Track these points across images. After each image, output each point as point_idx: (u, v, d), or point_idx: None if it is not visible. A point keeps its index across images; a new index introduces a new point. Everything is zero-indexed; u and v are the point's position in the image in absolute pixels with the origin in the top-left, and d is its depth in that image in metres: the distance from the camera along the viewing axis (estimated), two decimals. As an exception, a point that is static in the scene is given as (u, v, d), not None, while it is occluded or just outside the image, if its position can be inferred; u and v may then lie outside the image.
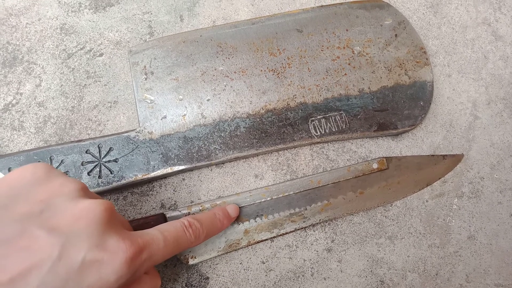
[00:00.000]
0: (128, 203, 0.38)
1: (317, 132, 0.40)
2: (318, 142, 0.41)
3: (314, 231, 0.39)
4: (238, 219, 0.37)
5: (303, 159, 0.41)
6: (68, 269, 0.22)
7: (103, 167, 0.37)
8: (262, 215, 0.37)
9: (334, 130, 0.40)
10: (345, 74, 0.42)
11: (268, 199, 0.38)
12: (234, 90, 0.40)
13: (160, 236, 0.27)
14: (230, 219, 0.35)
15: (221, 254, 0.37)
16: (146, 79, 0.40)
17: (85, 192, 0.26)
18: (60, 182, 0.25)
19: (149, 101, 0.39)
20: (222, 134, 0.39)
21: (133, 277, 0.25)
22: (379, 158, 0.40)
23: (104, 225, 0.24)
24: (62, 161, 0.36)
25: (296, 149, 0.41)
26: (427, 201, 0.41)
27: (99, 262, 0.22)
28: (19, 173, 0.25)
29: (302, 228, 0.38)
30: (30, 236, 0.22)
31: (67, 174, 0.36)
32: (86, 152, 0.37)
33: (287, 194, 0.38)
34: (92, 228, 0.23)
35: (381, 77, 0.42)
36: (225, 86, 0.40)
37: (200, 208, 0.36)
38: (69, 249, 0.22)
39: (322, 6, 0.45)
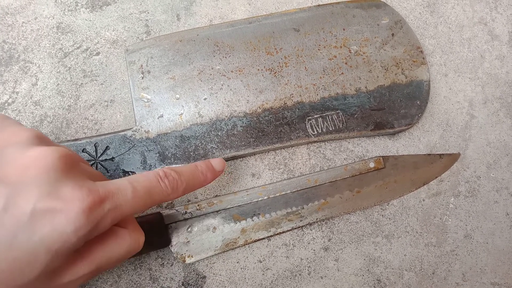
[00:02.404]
0: (124, 202, 0.38)
1: (314, 131, 0.40)
2: (315, 141, 0.41)
3: (311, 230, 0.39)
4: (235, 218, 0.37)
5: (300, 158, 0.41)
6: (16, 220, 0.20)
7: (99, 166, 0.37)
8: (259, 214, 0.37)
9: (331, 129, 0.40)
10: (342, 73, 0.42)
11: (265, 198, 0.38)
12: (231, 89, 0.40)
13: (128, 186, 0.25)
14: (214, 173, 0.33)
15: (218, 253, 0.36)
16: (142, 78, 0.40)
17: (41, 140, 0.24)
18: (12, 131, 0.24)
19: (146, 100, 0.39)
20: (219, 133, 0.39)
21: (97, 229, 0.23)
22: (376, 157, 0.40)
23: (58, 172, 0.22)
24: (58, 160, 0.36)
25: (293, 148, 0.41)
26: (423, 200, 0.41)
27: (52, 211, 0.21)
28: None
29: (299, 227, 0.38)
30: None
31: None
32: (83, 151, 0.37)
33: (284, 193, 0.38)
34: (43, 176, 0.21)
35: (377, 76, 0.42)
36: (222, 85, 0.40)
37: (197, 207, 0.36)
38: (16, 199, 0.20)
39: (319, 5, 0.45)
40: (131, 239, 0.27)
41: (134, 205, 0.25)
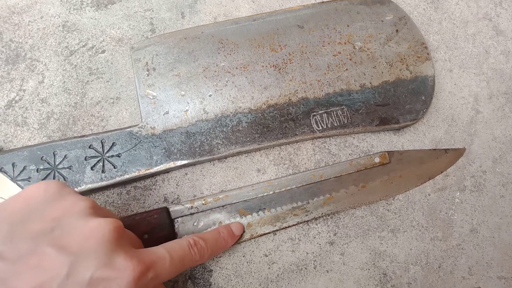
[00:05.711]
0: (131, 197, 0.38)
1: (319, 127, 0.40)
2: (320, 137, 0.41)
3: (316, 224, 0.39)
4: (240, 213, 0.37)
5: (305, 153, 0.41)
6: (76, 287, 0.22)
7: (106, 162, 0.37)
8: (264, 209, 0.38)
9: (336, 124, 0.41)
10: (347, 69, 0.42)
11: (271, 193, 0.38)
12: (236, 86, 0.41)
13: (167, 255, 0.28)
14: (234, 238, 0.36)
15: (224, 248, 0.37)
16: (148, 75, 0.40)
17: (96, 210, 0.27)
18: (72, 201, 0.26)
19: (152, 97, 0.40)
20: (224, 129, 0.39)
21: None
22: (381, 152, 0.40)
23: (112, 243, 0.25)
24: (65, 156, 0.37)
25: (298, 143, 0.42)
26: (429, 194, 0.41)
27: (107, 280, 0.23)
28: (33, 190, 0.26)
29: (304, 222, 0.39)
30: (41, 253, 0.23)
31: (70, 168, 0.36)
32: (89, 147, 0.37)
33: (289, 188, 0.38)
34: (100, 247, 0.24)
35: (382, 72, 0.42)
36: (227, 82, 0.41)
37: (203, 202, 0.37)
38: (78, 267, 0.23)
39: (323, 2, 0.45)
40: None
41: (170, 272, 0.28)
